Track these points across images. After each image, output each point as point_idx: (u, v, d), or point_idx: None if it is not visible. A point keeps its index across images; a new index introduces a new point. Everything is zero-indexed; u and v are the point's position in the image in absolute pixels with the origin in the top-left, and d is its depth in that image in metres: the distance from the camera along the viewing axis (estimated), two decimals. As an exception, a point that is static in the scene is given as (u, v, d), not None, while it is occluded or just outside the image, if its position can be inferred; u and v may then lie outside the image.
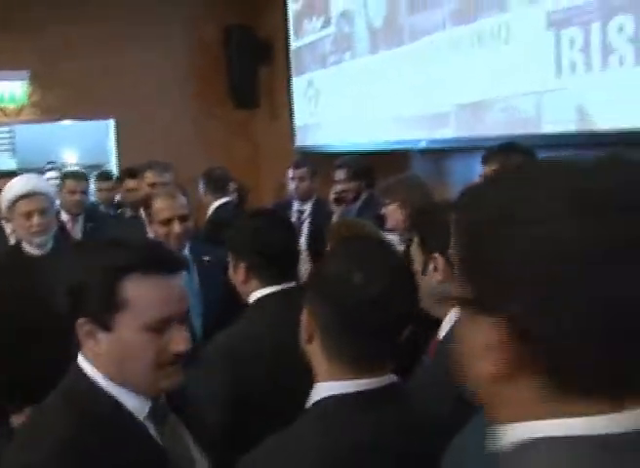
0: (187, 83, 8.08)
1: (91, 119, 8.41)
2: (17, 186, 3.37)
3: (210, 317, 3.16)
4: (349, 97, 6.01)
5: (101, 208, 6.35)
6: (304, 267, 5.11)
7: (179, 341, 1.51)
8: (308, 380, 1.58)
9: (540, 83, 3.84)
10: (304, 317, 1.52)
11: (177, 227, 3.16)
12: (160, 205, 3.24)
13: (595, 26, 3.47)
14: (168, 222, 3.17)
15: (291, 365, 2.08)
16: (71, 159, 16.22)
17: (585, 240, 0.71)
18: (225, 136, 8.14)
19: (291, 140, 7.27)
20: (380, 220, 4.00)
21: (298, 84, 7.05)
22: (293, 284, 2.36)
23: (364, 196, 4.85)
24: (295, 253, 2.51)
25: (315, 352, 1.51)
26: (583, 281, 0.71)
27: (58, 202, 4.34)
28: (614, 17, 3.37)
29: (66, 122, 8.56)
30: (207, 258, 3.31)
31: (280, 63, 7.51)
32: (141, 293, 1.48)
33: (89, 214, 5.52)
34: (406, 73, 5.13)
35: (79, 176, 5.44)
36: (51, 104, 7.70)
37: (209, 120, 8.10)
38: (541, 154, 3.22)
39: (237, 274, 2.36)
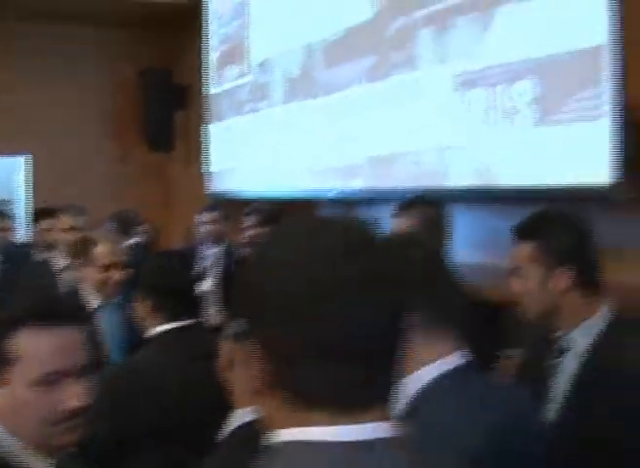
0: (103, 123, 8.06)
1: (3, 155, 8.28)
2: None
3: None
4: (264, 145, 6.12)
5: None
6: (213, 309, 5.14)
7: (72, 396, 1.44)
8: (210, 413, 1.66)
9: (446, 139, 4.02)
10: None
11: (116, 274, 3.17)
12: (101, 249, 3.22)
13: (499, 89, 3.67)
14: (107, 268, 3.18)
15: (185, 397, 2.19)
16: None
17: (307, 285, 0.90)
18: (139, 177, 8.13)
19: (204, 185, 7.31)
20: None
21: (214, 129, 7.12)
22: (193, 321, 2.50)
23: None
24: (194, 292, 2.60)
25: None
26: (308, 315, 0.90)
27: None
28: (516, 81, 3.58)
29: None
30: None
31: (196, 108, 7.58)
32: (31, 347, 1.43)
33: (6, 254, 5.34)
34: (320, 124, 5.27)
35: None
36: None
37: (123, 161, 8.08)
38: (448, 207, 3.37)
39: (140, 310, 2.50)
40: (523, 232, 2.14)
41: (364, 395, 0.92)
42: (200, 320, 2.57)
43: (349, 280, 0.90)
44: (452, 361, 1.57)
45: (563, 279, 2.05)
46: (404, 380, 1.56)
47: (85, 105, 7.94)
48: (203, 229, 5.57)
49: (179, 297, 2.46)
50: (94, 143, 7.95)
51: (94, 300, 3.27)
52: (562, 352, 2.11)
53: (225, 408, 2.14)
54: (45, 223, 5.34)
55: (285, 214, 5.09)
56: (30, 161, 7.97)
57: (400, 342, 0.97)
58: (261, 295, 0.93)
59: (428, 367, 1.55)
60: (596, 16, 3.16)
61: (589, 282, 2.08)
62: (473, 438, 1.43)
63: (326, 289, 0.90)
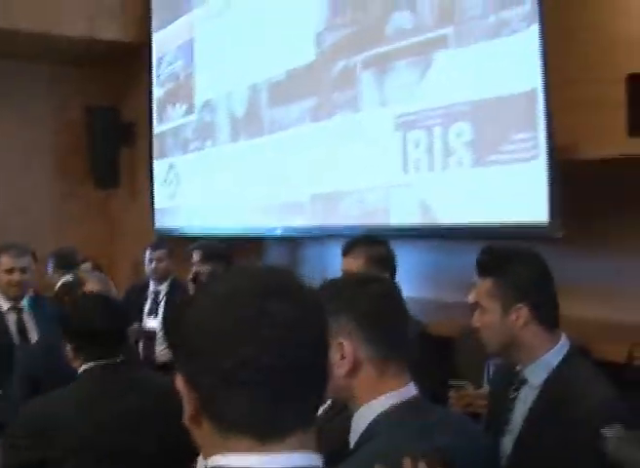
0: (49, 159, 8.02)
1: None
2: None
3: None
4: (209, 183, 6.19)
5: None
6: (160, 348, 5.17)
7: None
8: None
9: (388, 178, 4.15)
10: None
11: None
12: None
13: (437, 130, 3.82)
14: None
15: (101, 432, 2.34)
16: None
17: (229, 321, 1.01)
18: (84, 214, 8.09)
19: (150, 222, 7.33)
20: None
21: (159, 167, 7.17)
22: (118, 359, 2.59)
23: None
24: (117, 332, 2.66)
25: None
26: (226, 347, 1.00)
27: None
28: (453, 123, 3.73)
29: None
30: None
31: (142, 146, 7.62)
32: None
33: None
34: (265, 163, 5.37)
35: None
36: None
37: (68, 198, 8.04)
38: (391, 244, 3.48)
39: (67, 353, 2.62)
40: (482, 268, 2.22)
41: (281, 424, 1.01)
42: (123, 358, 2.63)
43: (271, 315, 1.00)
44: (404, 392, 1.65)
45: (521, 314, 2.13)
46: (357, 412, 1.65)
47: (31, 141, 7.90)
48: (149, 266, 5.61)
49: (97, 339, 2.55)
50: (39, 179, 7.90)
51: None
52: (521, 385, 2.20)
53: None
54: None
55: (230, 251, 5.16)
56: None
57: (322, 374, 1.06)
58: (188, 331, 1.04)
59: (382, 397, 1.63)
60: (529, 61, 3.32)
61: (547, 317, 2.16)
62: None
63: (247, 324, 0.99)
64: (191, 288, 5.12)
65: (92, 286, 3.36)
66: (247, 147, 5.63)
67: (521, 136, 3.38)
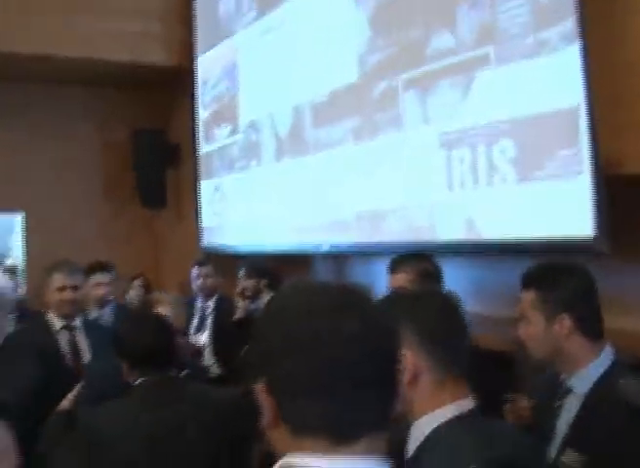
0: (96, 182, 8.23)
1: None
2: None
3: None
4: (255, 202, 6.30)
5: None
6: (210, 361, 5.28)
7: None
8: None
9: (433, 195, 4.21)
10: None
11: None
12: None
13: (481, 148, 3.88)
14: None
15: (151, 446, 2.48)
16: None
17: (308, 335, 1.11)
18: (131, 233, 8.27)
19: (196, 240, 7.47)
20: None
21: (205, 187, 7.31)
22: (170, 373, 2.80)
23: (267, 295, 5.08)
24: (167, 349, 2.82)
25: None
26: (295, 360, 1.10)
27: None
28: (497, 140, 3.78)
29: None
30: None
31: (188, 166, 7.78)
32: None
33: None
34: (309, 181, 5.47)
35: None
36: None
37: (116, 217, 8.23)
38: (438, 260, 3.55)
39: (123, 370, 2.81)
40: (525, 281, 2.32)
41: (352, 429, 1.11)
42: (172, 375, 2.85)
43: (345, 329, 1.11)
44: (464, 404, 1.71)
45: (564, 325, 2.21)
46: (417, 421, 1.71)
47: (79, 164, 8.12)
48: (196, 283, 5.73)
49: (149, 356, 2.74)
50: (87, 201, 8.11)
51: None
52: (566, 394, 2.26)
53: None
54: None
55: (274, 267, 5.27)
56: (25, 220, 8.09)
57: (393, 384, 1.16)
58: (268, 343, 1.16)
59: (441, 409, 1.69)
60: (571, 77, 3.37)
61: (590, 328, 2.25)
62: None
63: (324, 337, 1.10)
64: (239, 303, 5.24)
65: (162, 309, 3.48)
66: (291, 166, 5.74)
67: (565, 152, 3.42)
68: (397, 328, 1.22)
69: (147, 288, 6.73)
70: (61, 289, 4.16)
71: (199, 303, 5.73)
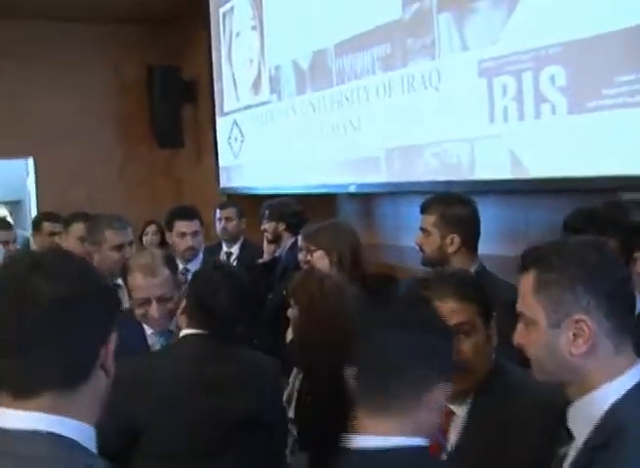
0: (110, 122, 7.95)
1: (9, 158, 8.18)
2: None
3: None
4: (275, 140, 5.97)
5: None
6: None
7: None
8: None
9: (472, 129, 3.85)
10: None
11: (154, 309, 2.83)
12: (137, 282, 2.87)
13: (527, 76, 3.50)
14: (145, 303, 2.85)
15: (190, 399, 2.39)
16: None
17: None
18: (149, 175, 8.01)
19: (215, 181, 7.17)
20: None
21: (223, 124, 6.96)
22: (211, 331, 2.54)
23: (288, 239, 4.79)
24: (226, 309, 2.54)
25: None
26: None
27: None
28: (545, 67, 3.40)
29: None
30: None
31: (205, 103, 7.43)
32: None
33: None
34: (334, 116, 5.11)
35: (4, 226, 4.93)
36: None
37: (131, 159, 7.97)
38: (475, 200, 3.22)
39: (180, 308, 2.66)
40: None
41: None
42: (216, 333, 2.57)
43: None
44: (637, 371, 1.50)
45: None
46: (587, 397, 1.49)
47: (93, 105, 7.84)
48: (219, 226, 5.44)
49: (212, 312, 2.51)
50: (102, 143, 7.83)
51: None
52: None
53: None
54: (49, 227, 5.12)
55: (300, 209, 4.94)
56: (37, 163, 7.86)
57: None
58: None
59: (622, 377, 1.48)
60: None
61: None
62: None
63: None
64: (266, 247, 4.95)
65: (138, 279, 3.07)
66: (315, 100, 5.37)
67: (625, 78, 3.04)
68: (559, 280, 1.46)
69: (163, 234, 6.35)
70: (118, 247, 3.74)
71: (224, 248, 5.43)
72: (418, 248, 3.15)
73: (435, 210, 3.07)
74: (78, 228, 4.35)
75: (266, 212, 4.95)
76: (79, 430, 1.21)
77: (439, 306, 1.80)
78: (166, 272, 2.91)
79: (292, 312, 2.77)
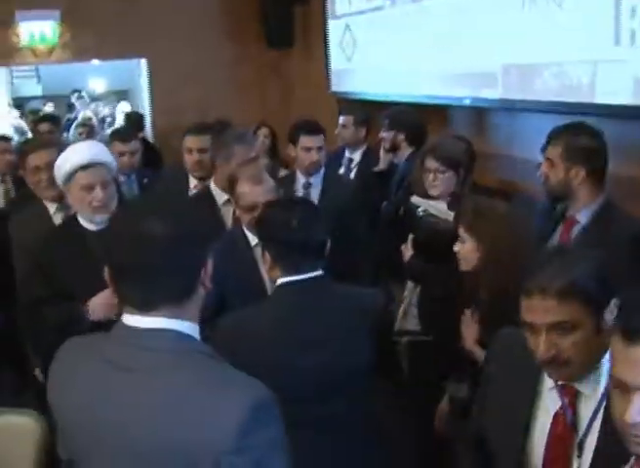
0: (220, 22, 7.94)
1: (121, 58, 8.35)
2: (75, 156, 3.03)
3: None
4: (387, 46, 5.89)
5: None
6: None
7: None
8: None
9: (595, 51, 3.72)
10: None
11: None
12: (244, 189, 3.11)
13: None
14: (252, 209, 3.02)
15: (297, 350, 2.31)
16: (99, 87, 16.15)
17: None
18: (258, 76, 8.03)
19: (325, 83, 7.16)
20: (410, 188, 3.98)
21: (334, 27, 6.89)
22: (314, 274, 2.41)
23: (407, 150, 4.81)
24: (316, 245, 2.44)
25: None
26: None
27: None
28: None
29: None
30: None
31: (316, 4, 7.34)
32: None
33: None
34: (451, 26, 5.00)
35: (125, 138, 5.01)
36: (81, 44, 7.61)
37: (241, 60, 7.99)
38: (594, 124, 3.16)
39: (265, 260, 2.49)
40: None
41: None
42: (322, 273, 2.46)
43: None
44: None
45: None
46: None
47: (203, 6, 7.83)
48: (339, 133, 5.46)
49: (297, 249, 2.39)
50: (212, 43, 7.86)
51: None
52: None
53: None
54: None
55: (420, 119, 4.90)
56: (150, 63, 7.99)
57: None
58: None
59: None
60: None
61: None
62: None
63: None
64: (382, 155, 4.98)
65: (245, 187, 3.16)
66: (431, 7, 5.25)
67: None
68: None
69: (274, 137, 6.39)
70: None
71: (346, 154, 5.47)
72: (541, 177, 3.13)
73: (562, 140, 2.98)
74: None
75: (386, 120, 4.93)
76: (191, 327, 1.59)
77: (536, 302, 1.73)
78: (270, 181, 3.17)
79: (465, 246, 2.69)
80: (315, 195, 4.34)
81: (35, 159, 3.78)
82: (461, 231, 2.72)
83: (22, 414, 2.62)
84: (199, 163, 4.39)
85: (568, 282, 1.71)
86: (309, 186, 4.38)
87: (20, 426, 2.61)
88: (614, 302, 1.73)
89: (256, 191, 3.07)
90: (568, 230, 2.99)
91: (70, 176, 3.03)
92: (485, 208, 2.80)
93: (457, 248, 2.73)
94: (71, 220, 3.19)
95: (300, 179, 4.37)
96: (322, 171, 4.38)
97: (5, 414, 2.64)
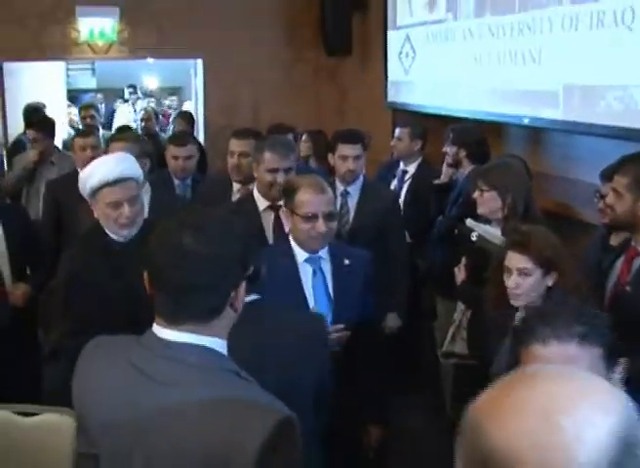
0: (279, 26, 7.94)
1: (177, 58, 8.39)
2: (102, 170, 2.94)
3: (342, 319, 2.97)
4: (448, 60, 5.82)
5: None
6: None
7: None
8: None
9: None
10: None
11: (320, 225, 2.92)
12: (307, 197, 2.95)
13: None
14: (312, 218, 2.93)
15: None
16: (152, 84, 16.33)
17: None
18: (314, 80, 8.01)
19: (382, 94, 7.11)
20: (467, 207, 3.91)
21: (394, 38, 6.84)
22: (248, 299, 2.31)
23: (468, 166, 4.73)
24: None
25: None
26: None
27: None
28: None
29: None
30: (347, 262, 3.06)
31: (376, 13, 7.29)
32: None
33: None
34: (513, 43, 4.92)
35: (181, 142, 5.02)
36: (139, 42, 7.66)
37: (298, 64, 7.98)
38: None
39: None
40: None
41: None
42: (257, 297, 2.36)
43: None
44: None
45: None
46: None
47: (263, 10, 7.83)
48: (394, 145, 5.41)
49: None
50: (269, 46, 7.87)
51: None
52: None
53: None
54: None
55: (483, 139, 4.83)
56: (205, 64, 8.01)
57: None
58: None
59: None
60: None
61: None
62: None
63: None
64: (444, 169, 4.91)
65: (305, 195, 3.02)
66: (493, 24, 5.18)
67: None
68: None
69: (315, 145, 6.22)
70: (273, 170, 3.73)
71: (401, 166, 5.42)
72: (604, 208, 3.06)
73: (629, 171, 2.92)
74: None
75: (450, 135, 4.89)
76: (218, 343, 1.61)
77: (556, 349, 1.71)
78: (330, 192, 3.03)
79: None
80: (352, 204, 4.37)
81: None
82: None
83: (60, 413, 2.70)
84: (238, 166, 4.39)
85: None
86: (347, 195, 4.41)
87: (56, 424, 2.68)
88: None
89: (317, 200, 2.96)
90: (629, 261, 2.91)
91: (97, 192, 2.95)
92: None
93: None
94: (96, 231, 3.09)
95: (339, 188, 4.37)
96: (361, 180, 4.36)
97: (43, 413, 2.71)
